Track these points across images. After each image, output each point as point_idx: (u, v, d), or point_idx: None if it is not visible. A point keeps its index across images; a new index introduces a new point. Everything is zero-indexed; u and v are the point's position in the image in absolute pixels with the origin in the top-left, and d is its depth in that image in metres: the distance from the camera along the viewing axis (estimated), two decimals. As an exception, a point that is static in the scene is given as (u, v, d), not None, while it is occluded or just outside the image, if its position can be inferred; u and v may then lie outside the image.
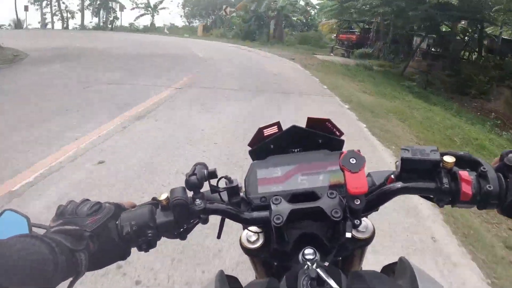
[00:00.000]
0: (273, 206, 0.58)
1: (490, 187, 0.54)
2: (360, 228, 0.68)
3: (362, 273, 0.53)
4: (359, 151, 0.55)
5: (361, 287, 0.49)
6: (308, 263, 0.57)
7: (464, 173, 0.55)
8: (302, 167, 0.67)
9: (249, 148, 0.72)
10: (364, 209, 0.59)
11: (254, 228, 0.70)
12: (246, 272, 2.04)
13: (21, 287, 0.42)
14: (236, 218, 0.61)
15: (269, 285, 0.53)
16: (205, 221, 0.61)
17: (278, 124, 0.71)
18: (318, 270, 0.54)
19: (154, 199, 0.62)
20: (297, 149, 0.71)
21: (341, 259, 0.83)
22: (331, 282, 0.52)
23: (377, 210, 0.64)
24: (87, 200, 0.59)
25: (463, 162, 0.58)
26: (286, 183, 0.65)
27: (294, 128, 0.69)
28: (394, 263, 0.64)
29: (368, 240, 0.68)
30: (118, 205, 0.61)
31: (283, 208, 0.57)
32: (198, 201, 0.59)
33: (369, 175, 0.69)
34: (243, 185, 0.66)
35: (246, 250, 0.70)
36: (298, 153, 0.70)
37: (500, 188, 0.54)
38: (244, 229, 0.71)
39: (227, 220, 0.65)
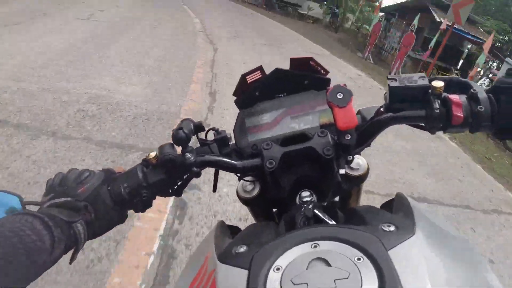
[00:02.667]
0: (264, 152, 0.57)
1: (481, 108, 0.52)
2: (353, 166, 0.67)
3: (358, 209, 0.53)
4: (345, 85, 0.53)
5: (356, 220, 0.49)
6: (305, 205, 0.57)
7: (454, 97, 0.54)
8: (290, 110, 0.65)
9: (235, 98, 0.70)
10: (356, 144, 0.58)
11: (249, 178, 0.70)
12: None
13: (20, 266, 0.42)
14: (228, 168, 0.61)
15: (268, 226, 0.54)
16: (198, 175, 0.60)
17: (260, 68, 0.68)
18: (316, 209, 0.54)
19: (143, 160, 0.62)
20: (284, 94, 0.70)
21: (339, 199, 0.84)
22: (327, 219, 0.52)
23: (369, 146, 0.63)
24: (74, 169, 0.58)
25: (453, 86, 0.57)
26: (276, 128, 0.64)
27: (277, 71, 0.67)
28: (392, 200, 0.64)
29: (362, 177, 0.68)
30: (107, 170, 0.60)
31: (275, 152, 0.57)
32: (188, 155, 0.58)
33: (359, 112, 0.67)
34: (232, 136, 0.65)
35: (244, 200, 0.71)
36: (285, 97, 0.69)
37: (492, 109, 0.53)
38: (239, 180, 0.71)
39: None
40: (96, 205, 0.55)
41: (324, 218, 0.52)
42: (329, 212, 0.56)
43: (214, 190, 0.72)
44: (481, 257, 0.48)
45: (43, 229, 0.46)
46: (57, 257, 0.48)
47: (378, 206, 0.63)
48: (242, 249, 0.45)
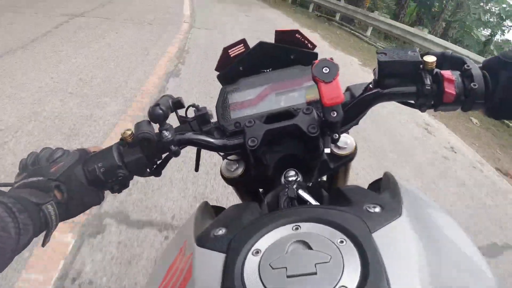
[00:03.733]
0: (246, 130, 0.54)
1: (475, 85, 0.50)
2: (340, 145, 0.65)
3: (342, 188, 0.51)
4: (331, 59, 0.50)
5: (341, 201, 0.47)
6: (289, 185, 0.55)
7: (446, 73, 0.51)
8: (275, 86, 0.62)
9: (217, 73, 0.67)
10: (343, 122, 0.56)
11: (232, 157, 0.67)
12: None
13: None
14: (209, 146, 0.58)
15: (249, 207, 0.52)
16: (177, 154, 0.57)
17: (244, 41, 0.64)
18: (300, 190, 0.52)
19: (121, 139, 0.58)
20: (269, 69, 0.66)
21: (327, 178, 0.82)
22: (311, 199, 0.50)
23: (357, 124, 0.61)
24: (48, 148, 0.55)
25: (446, 61, 0.54)
26: (260, 105, 0.61)
27: (261, 45, 0.63)
28: (380, 179, 0.62)
29: (350, 156, 0.66)
30: (83, 150, 0.57)
31: (258, 129, 0.54)
32: (165, 133, 0.55)
33: (348, 89, 0.64)
34: (213, 113, 0.62)
35: (228, 180, 0.69)
36: (270, 72, 0.65)
37: (486, 87, 0.50)
38: (223, 159, 0.68)
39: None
40: (70, 184, 0.52)
41: (307, 198, 0.50)
42: (314, 192, 0.54)
43: (196, 169, 0.69)
44: (467, 237, 0.47)
45: (6, 216, 0.43)
46: (26, 243, 0.46)
47: None
48: (221, 232, 0.43)
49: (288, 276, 0.33)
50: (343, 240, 0.36)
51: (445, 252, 0.40)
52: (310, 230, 0.38)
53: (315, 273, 0.33)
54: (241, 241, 0.39)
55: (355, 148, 0.66)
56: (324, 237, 0.37)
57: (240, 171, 0.67)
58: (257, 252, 0.37)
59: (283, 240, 0.38)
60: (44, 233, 0.49)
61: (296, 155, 0.60)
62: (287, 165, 0.61)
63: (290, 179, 0.59)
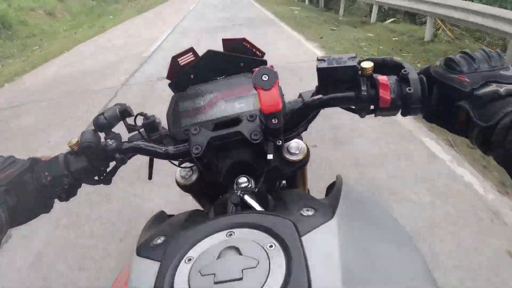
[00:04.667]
0: (191, 137, 0.55)
1: (410, 89, 0.50)
2: (292, 150, 0.66)
3: (283, 192, 0.52)
4: (272, 66, 0.51)
5: (279, 205, 0.48)
6: (238, 191, 0.55)
7: (382, 78, 0.52)
8: (225, 93, 0.63)
9: (169, 82, 0.67)
10: (289, 128, 0.57)
11: (186, 164, 0.67)
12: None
13: None
14: (155, 154, 0.58)
15: (194, 215, 0.52)
16: (123, 162, 0.57)
17: (192, 50, 0.65)
18: (245, 196, 0.53)
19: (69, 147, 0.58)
20: (221, 76, 0.67)
21: (287, 183, 0.83)
22: (255, 205, 0.51)
23: (305, 129, 0.62)
24: (0, 156, 0.56)
25: (385, 67, 0.55)
26: (210, 113, 0.62)
27: (210, 53, 0.64)
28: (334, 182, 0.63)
29: (302, 161, 0.67)
30: (34, 158, 0.57)
31: (202, 137, 0.54)
32: (109, 142, 0.55)
33: (300, 95, 0.66)
34: (160, 120, 0.62)
35: (183, 187, 0.68)
36: (220, 79, 0.66)
37: (423, 91, 0.51)
38: (178, 167, 0.68)
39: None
40: (19, 191, 0.53)
41: (252, 204, 0.51)
42: (260, 198, 0.55)
43: (150, 177, 0.69)
44: (409, 239, 0.48)
45: None
46: None
47: None
48: (160, 240, 0.43)
49: (215, 282, 0.34)
50: (272, 244, 0.37)
51: (376, 256, 0.41)
52: (243, 236, 0.39)
53: (241, 279, 0.33)
54: (175, 249, 0.39)
55: (307, 153, 0.67)
56: (255, 242, 0.37)
57: (194, 178, 0.67)
58: (190, 259, 0.37)
59: (216, 247, 0.38)
60: None
61: (246, 161, 0.61)
62: (240, 171, 0.61)
63: (242, 185, 0.59)
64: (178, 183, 0.68)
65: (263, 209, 0.51)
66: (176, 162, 0.66)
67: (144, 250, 0.43)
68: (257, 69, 0.50)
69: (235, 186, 0.60)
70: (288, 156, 0.66)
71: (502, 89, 0.43)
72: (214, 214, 0.54)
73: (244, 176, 0.60)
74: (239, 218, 0.42)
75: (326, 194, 0.69)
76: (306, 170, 0.76)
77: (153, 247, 0.42)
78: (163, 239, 0.43)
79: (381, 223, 0.49)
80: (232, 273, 0.34)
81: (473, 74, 0.46)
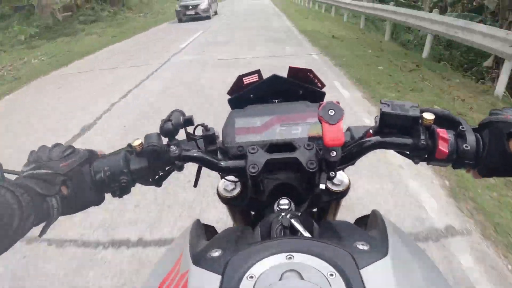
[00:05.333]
0: (249, 155, 0.57)
1: (467, 147, 0.53)
2: (335, 181, 0.68)
3: (333, 223, 0.54)
4: (338, 102, 0.53)
5: (331, 235, 0.50)
6: (282, 213, 0.58)
7: (442, 131, 0.55)
8: (281, 117, 0.65)
9: (228, 97, 0.70)
10: (340, 162, 0.59)
11: (231, 177, 0.70)
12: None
13: None
14: (212, 166, 0.61)
15: (244, 231, 0.54)
16: (180, 168, 0.60)
17: (258, 72, 0.68)
18: (292, 219, 0.55)
19: (129, 145, 0.61)
20: (278, 100, 0.70)
21: (317, 210, 0.85)
22: (303, 230, 0.53)
23: (353, 164, 0.64)
24: (60, 144, 0.58)
25: (443, 120, 0.57)
26: (265, 133, 0.64)
27: (274, 77, 0.67)
28: (367, 216, 0.65)
29: (343, 193, 0.69)
30: (91, 151, 0.59)
31: (259, 157, 0.57)
32: (172, 148, 0.57)
33: (348, 129, 0.68)
34: (220, 134, 0.65)
35: (223, 199, 0.71)
36: (278, 103, 0.69)
37: (477, 149, 0.54)
38: (221, 178, 0.71)
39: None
40: (75, 182, 0.54)
41: (299, 229, 0.53)
42: (305, 223, 0.57)
43: (195, 185, 0.71)
44: (446, 281, 0.50)
45: (14, 203, 0.44)
46: (25, 231, 0.47)
47: None
48: (217, 253, 0.45)
49: None
50: (333, 273, 0.39)
51: None
52: (303, 261, 0.41)
53: None
54: (237, 265, 0.41)
55: (349, 186, 0.69)
56: (316, 268, 0.39)
57: (236, 192, 0.70)
58: (252, 277, 0.39)
59: (277, 268, 0.40)
60: (44, 223, 0.50)
61: (292, 185, 0.63)
62: (281, 193, 0.63)
63: (282, 207, 0.61)
64: (219, 194, 0.71)
65: (310, 235, 0.53)
66: (220, 173, 0.69)
67: (201, 260, 0.45)
68: (324, 103, 0.53)
69: (275, 207, 0.62)
70: (330, 186, 0.68)
71: None
72: (261, 234, 0.56)
73: (286, 199, 0.63)
74: (299, 242, 0.44)
75: (355, 224, 0.71)
76: (340, 202, 0.78)
77: (212, 259, 0.44)
78: (221, 252, 0.45)
79: (421, 260, 0.51)
80: None
81: None
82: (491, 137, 0.54)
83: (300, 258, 0.41)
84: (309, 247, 0.43)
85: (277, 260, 0.41)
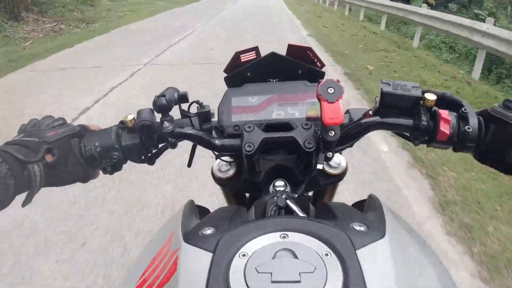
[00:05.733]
0: (245, 134, 0.55)
1: (469, 128, 0.52)
2: (332, 164, 0.67)
3: (329, 204, 0.52)
4: (338, 81, 0.52)
5: (327, 215, 0.49)
6: (278, 194, 0.56)
7: (444, 112, 0.53)
8: (279, 97, 0.64)
9: (225, 75, 0.68)
10: (339, 142, 0.58)
11: (226, 158, 0.68)
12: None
13: None
14: (206, 144, 0.59)
15: (238, 210, 0.53)
16: (174, 146, 0.58)
17: (256, 49, 0.66)
18: (287, 200, 0.54)
19: (121, 122, 0.59)
20: (276, 79, 0.68)
21: (313, 193, 0.84)
22: (298, 210, 0.52)
23: (351, 146, 0.63)
24: (50, 116, 0.56)
25: (445, 102, 0.56)
26: (262, 113, 0.63)
27: (273, 55, 0.65)
28: (364, 200, 0.64)
29: (339, 176, 0.68)
30: (83, 126, 0.58)
31: (256, 136, 0.55)
32: (166, 124, 0.56)
33: (347, 111, 0.67)
34: (215, 112, 0.63)
35: (218, 180, 0.69)
36: (276, 82, 0.67)
37: (479, 132, 0.52)
38: (216, 159, 0.69)
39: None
40: (62, 152, 0.52)
41: (295, 209, 0.52)
42: (301, 204, 0.55)
43: (189, 165, 0.70)
44: (442, 264, 0.49)
45: None
46: (8, 200, 0.45)
47: None
48: (209, 231, 0.44)
49: (272, 281, 0.34)
50: (328, 253, 0.37)
51: (419, 273, 0.42)
52: (298, 240, 0.39)
53: (299, 281, 0.34)
54: (229, 242, 0.40)
55: (346, 169, 0.68)
56: (311, 248, 0.38)
57: (231, 173, 0.68)
58: (244, 255, 0.38)
59: (271, 246, 0.39)
60: (27, 192, 0.49)
61: (288, 166, 0.61)
62: (278, 174, 0.62)
63: (278, 188, 0.60)
64: (213, 175, 0.69)
65: (305, 215, 0.52)
66: (216, 154, 0.67)
67: (193, 238, 0.43)
68: (323, 80, 0.51)
69: (271, 189, 0.61)
70: (327, 169, 0.67)
71: None
72: (255, 214, 0.55)
73: (282, 180, 0.61)
74: (294, 222, 0.43)
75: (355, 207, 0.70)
76: (337, 185, 0.77)
77: (203, 237, 0.43)
78: (213, 230, 0.44)
79: (418, 243, 0.50)
80: (289, 274, 0.35)
81: None
82: (496, 135, 0.52)
83: (294, 237, 0.40)
84: (304, 226, 0.41)
85: (271, 238, 0.40)
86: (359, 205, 0.65)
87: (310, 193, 0.86)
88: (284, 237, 0.40)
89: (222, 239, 0.41)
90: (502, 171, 0.53)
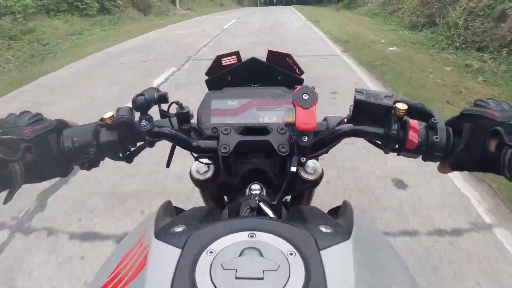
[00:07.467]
0: (221, 136, 0.57)
1: (437, 138, 0.53)
2: (308, 170, 0.69)
3: (301, 208, 0.54)
4: (313, 87, 0.53)
5: (297, 218, 0.50)
6: (252, 196, 0.57)
7: (413, 122, 0.55)
8: (258, 101, 0.65)
9: (206, 77, 0.69)
10: (313, 148, 0.59)
11: (204, 160, 0.69)
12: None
13: None
14: (184, 145, 0.60)
15: (211, 210, 0.54)
16: (151, 145, 0.59)
17: (237, 54, 0.67)
18: (261, 203, 0.55)
19: (101, 119, 0.59)
20: (256, 84, 0.69)
21: (291, 198, 0.85)
22: (270, 213, 0.53)
23: (326, 153, 0.65)
24: (28, 112, 0.56)
25: (416, 112, 0.57)
26: (240, 116, 0.64)
27: (253, 60, 0.67)
28: (339, 206, 0.66)
29: (315, 182, 0.69)
30: (61, 120, 0.58)
31: (232, 138, 0.56)
32: (144, 122, 0.56)
33: (325, 119, 0.68)
34: (194, 113, 0.64)
35: (196, 182, 0.70)
36: (256, 87, 0.68)
37: (447, 142, 0.54)
38: (195, 160, 0.70)
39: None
40: (41, 149, 0.52)
41: (267, 211, 0.53)
42: (274, 207, 0.57)
43: (168, 165, 0.70)
44: (407, 268, 0.50)
45: None
46: None
47: None
48: (180, 228, 0.45)
49: (237, 278, 0.36)
50: (292, 252, 0.39)
51: (381, 276, 0.43)
52: (264, 240, 0.41)
53: (262, 278, 0.35)
54: (197, 240, 0.41)
55: (321, 175, 0.69)
56: (276, 247, 0.39)
57: (209, 174, 0.69)
58: (212, 252, 0.39)
59: (237, 244, 0.40)
60: (7, 191, 0.49)
61: (265, 170, 0.63)
62: (255, 178, 0.63)
63: (254, 192, 0.61)
64: (192, 176, 0.70)
65: (276, 218, 0.53)
66: (195, 155, 0.68)
67: (163, 235, 0.44)
68: (299, 87, 0.53)
69: (247, 191, 0.62)
70: (303, 174, 0.68)
71: None
72: (228, 214, 0.56)
73: (258, 184, 0.63)
74: (262, 222, 0.44)
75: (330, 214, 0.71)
76: (313, 190, 0.78)
77: (173, 234, 0.44)
78: (184, 227, 0.45)
79: (383, 247, 0.52)
80: (253, 272, 0.36)
81: (501, 111, 0.50)
82: (472, 131, 0.52)
83: (261, 236, 0.41)
84: (271, 226, 0.43)
85: (238, 237, 0.41)
86: (335, 211, 0.67)
87: (289, 198, 0.87)
88: (252, 236, 0.41)
89: (191, 236, 0.42)
90: (482, 169, 0.53)
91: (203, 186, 0.71)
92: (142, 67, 5.78)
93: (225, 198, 0.80)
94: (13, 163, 0.48)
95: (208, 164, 0.70)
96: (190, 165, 0.71)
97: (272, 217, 0.50)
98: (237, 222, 0.44)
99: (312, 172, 0.69)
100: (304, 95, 0.52)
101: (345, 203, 0.63)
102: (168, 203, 0.65)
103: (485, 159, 0.50)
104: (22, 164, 0.49)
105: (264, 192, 0.62)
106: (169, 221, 0.49)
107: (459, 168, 0.55)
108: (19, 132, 0.51)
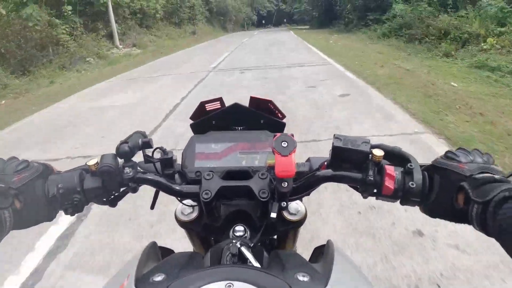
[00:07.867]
0: (203, 181, 0.58)
1: (413, 184, 0.54)
2: (292, 211, 0.69)
3: (281, 253, 0.54)
4: (292, 135, 0.55)
5: (276, 265, 0.51)
6: (234, 240, 0.58)
7: (389, 168, 0.56)
8: (241, 145, 0.67)
9: (191, 122, 0.71)
10: (294, 192, 0.61)
11: (188, 201, 0.70)
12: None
13: None
14: (166, 189, 0.61)
15: (193, 256, 0.54)
16: (134, 190, 0.60)
17: (220, 99, 0.70)
18: (242, 247, 0.55)
19: (86, 164, 0.61)
20: (240, 127, 0.71)
21: (276, 238, 0.85)
22: (251, 258, 0.53)
23: (308, 195, 0.66)
24: (15, 158, 0.58)
25: (394, 156, 0.59)
26: (223, 160, 0.65)
27: (235, 106, 0.69)
28: (324, 245, 0.66)
29: (298, 223, 0.70)
30: (46, 166, 0.59)
31: (213, 184, 0.57)
32: (127, 170, 0.58)
33: (308, 160, 0.70)
34: (178, 158, 0.66)
35: (180, 223, 0.71)
36: (239, 131, 0.70)
37: (423, 187, 0.55)
38: (180, 202, 0.71)
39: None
40: (28, 196, 0.54)
41: (248, 257, 0.53)
42: (256, 252, 0.57)
43: (152, 207, 0.71)
44: None
45: None
46: None
47: None
48: (160, 277, 0.45)
49: None
50: None
51: None
52: None
53: None
54: None
55: (305, 216, 0.70)
56: None
57: (193, 216, 0.70)
58: None
59: None
60: None
61: (247, 212, 0.64)
62: (238, 219, 0.64)
63: (237, 233, 0.62)
64: (177, 218, 0.71)
65: (259, 265, 0.53)
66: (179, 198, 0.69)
67: (143, 284, 0.45)
68: (278, 134, 0.55)
69: (231, 234, 0.63)
70: (287, 215, 0.69)
71: (497, 176, 0.48)
72: (210, 260, 0.56)
73: (241, 225, 0.63)
74: (240, 271, 0.45)
75: (313, 254, 0.71)
76: (298, 230, 0.79)
77: (153, 284, 0.44)
78: (163, 277, 0.45)
79: None
80: None
81: (470, 164, 0.52)
82: (442, 184, 0.54)
83: (238, 286, 0.42)
84: (248, 276, 0.43)
85: (216, 287, 0.42)
86: (320, 249, 0.67)
87: (275, 237, 0.87)
88: (229, 286, 0.42)
89: (170, 286, 0.42)
90: (453, 220, 0.54)
91: (188, 228, 0.71)
92: None
93: (212, 238, 0.80)
94: (3, 211, 0.49)
95: (192, 206, 0.70)
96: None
97: (250, 266, 0.50)
98: (215, 272, 0.44)
99: (295, 213, 0.70)
100: (283, 142, 0.54)
101: (328, 243, 0.63)
102: (153, 244, 0.65)
103: (455, 212, 0.51)
104: (11, 211, 0.51)
105: (247, 234, 0.62)
106: (150, 269, 0.49)
107: (435, 216, 0.56)
108: (8, 180, 0.53)
